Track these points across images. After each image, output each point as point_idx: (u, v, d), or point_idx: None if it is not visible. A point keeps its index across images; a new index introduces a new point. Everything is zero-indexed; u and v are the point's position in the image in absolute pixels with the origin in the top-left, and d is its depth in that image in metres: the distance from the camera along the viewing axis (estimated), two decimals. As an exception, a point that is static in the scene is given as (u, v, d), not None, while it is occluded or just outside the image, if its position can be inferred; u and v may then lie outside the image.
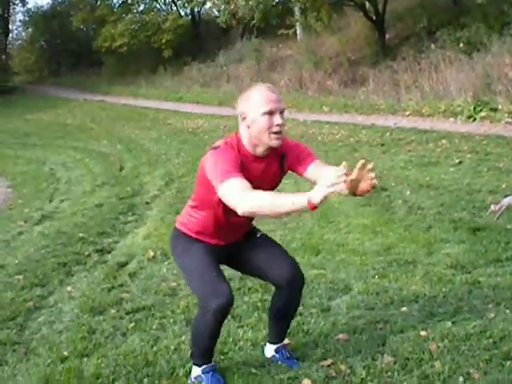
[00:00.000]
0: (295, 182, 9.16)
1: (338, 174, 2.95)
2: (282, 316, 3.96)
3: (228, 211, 3.50)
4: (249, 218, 3.80)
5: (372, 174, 3.07)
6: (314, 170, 3.58)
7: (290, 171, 3.71)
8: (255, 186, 3.37)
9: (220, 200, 3.38)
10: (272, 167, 3.62)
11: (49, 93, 37.92)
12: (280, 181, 3.74)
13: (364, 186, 3.11)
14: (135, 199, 9.80)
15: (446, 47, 17.58)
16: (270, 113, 3.40)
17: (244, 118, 3.48)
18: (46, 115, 27.07)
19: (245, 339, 4.32)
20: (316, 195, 2.97)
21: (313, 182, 3.57)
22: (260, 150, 3.53)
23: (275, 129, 3.41)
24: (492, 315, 4.36)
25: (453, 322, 4.30)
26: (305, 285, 3.87)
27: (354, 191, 3.12)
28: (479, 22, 17.47)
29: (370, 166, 3.08)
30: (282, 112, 3.46)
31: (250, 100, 3.46)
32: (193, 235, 3.75)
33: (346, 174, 2.99)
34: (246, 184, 3.24)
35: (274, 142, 3.45)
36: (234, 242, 3.82)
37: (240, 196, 3.19)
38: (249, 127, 3.46)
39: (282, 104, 3.49)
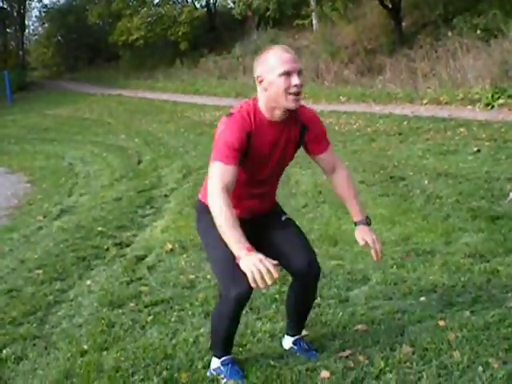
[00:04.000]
0: (312, 174, 9.16)
1: (264, 271, 2.93)
2: (298, 308, 3.95)
3: (248, 182, 3.54)
4: (272, 189, 3.80)
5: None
6: (324, 159, 3.72)
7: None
8: (266, 155, 3.47)
9: (234, 166, 3.37)
10: (290, 133, 3.56)
11: (66, 88, 38.11)
12: (294, 151, 3.69)
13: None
14: (153, 192, 9.83)
15: (463, 34, 17.48)
16: (287, 73, 3.34)
17: (261, 82, 3.42)
18: (64, 110, 27.18)
19: (263, 331, 4.32)
20: (243, 262, 3.01)
21: (321, 167, 3.78)
22: (278, 114, 3.46)
23: (293, 89, 3.35)
24: (511, 304, 4.34)
25: (471, 312, 4.29)
26: (319, 277, 3.81)
27: None
28: (496, 9, 17.33)
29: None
30: (299, 73, 3.39)
31: (266, 62, 3.40)
32: None
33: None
34: (229, 179, 3.27)
35: (292, 104, 3.39)
36: (258, 216, 3.75)
37: (214, 191, 3.24)
38: (266, 90, 3.40)
39: (300, 64, 3.42)
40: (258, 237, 3.75)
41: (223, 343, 3.76)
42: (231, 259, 3.40)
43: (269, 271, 2.92)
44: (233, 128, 3.38)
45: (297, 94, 3.37)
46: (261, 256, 3.00)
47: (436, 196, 7.54)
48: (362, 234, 3.62)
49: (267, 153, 3.48)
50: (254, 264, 2.95)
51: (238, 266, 3.36)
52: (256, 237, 3.76)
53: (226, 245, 3.35)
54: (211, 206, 3.24)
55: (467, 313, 4.27)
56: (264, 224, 3.78)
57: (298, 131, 3.60)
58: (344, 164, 3.87)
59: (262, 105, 3.47)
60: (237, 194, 3.50)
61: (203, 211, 3.68)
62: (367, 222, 3.70)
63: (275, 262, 2.98)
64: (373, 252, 3.56)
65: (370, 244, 3.55)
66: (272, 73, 3.36)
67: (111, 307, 5.12)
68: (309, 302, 3.95)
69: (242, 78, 25.67)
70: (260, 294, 4.97)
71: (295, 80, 3.35)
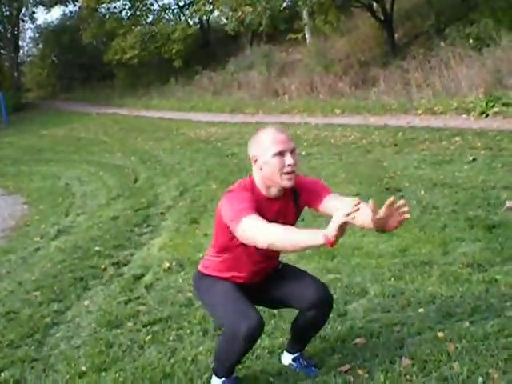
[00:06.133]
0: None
1: (354, 203, 2.91)
2: (306, 332, 3.95)
3: (250, 254, 3.55)
4: (274, 258, 3.79)
5: (405, 208, 3.09)
6: (332, 202, 3.53)
7: (307, 207, 3.72)
8: None
9: (240, 243, 3.40)
10: (288, 207, 3.63)
11: (62, 108, 38.13)
12: (296, 219, 3.73)
13: (392, 222, 3.13)
14: (150, 210, 9.81)
15: (456, 44, 17.52)
16: (281, 153, 3.40)
17: (255, 161, 3.49)
18: (59, 130, 27.19)
19: (262, 347, 4.30)
20: (331, 228, 2.94)
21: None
22: (273, 191, 3.54)
23: (287, 169, 3.41)
24: (510, 313, 4.32)
25: (470, 322, 4.28)
26: (332, 305, 3.81)
27: (382, 228, 3.16)
28: (487, 17, 17.40)
29: (400, 202, 3.09)
30: (292, 152, 3.44)
31: (259, 143, 3.47)
32: (217, 275, 3.73)
33: (373, 211, 3.04)
34: (262, 219, 3.24)
35: (287, 183, 3.45)
36: (260, 281, 3.80)
37: (259, 231, 3.18)
38: (261, 169, 3.47)
39: (293, 144, 3.46)
40: (262, 293, 3.78)
41: (227, 369, 3.75)
42: (237, 302, 3.52)
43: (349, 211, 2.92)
44: (240, 195, 3.44)
45: (291, 173, 3.42)
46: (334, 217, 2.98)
47: (432, 206, 7.53)
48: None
49: None
50: (339, 218, 2.92)
51: (245, 305, 3.49)
52: (259, 294, 3.78)
53: (229, 292, 3.56)
54: (268, 242, 3.16)
55: (466, 323, 4.26)
56: (264, 281, 3.81)
57: (293, 200, 3.64)
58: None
59: (258, 183, 3.54)
60: (238, 266, 3.64)
61: (201, 279, 3.80)
62: None
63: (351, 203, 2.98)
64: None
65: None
66: (266, 153, 3.42)
67: (109, 327, 5.11)
68: (318, 329, 3.96)
69: (237, 93, 25.70)
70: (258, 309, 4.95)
71: (289, 160, 3.41)
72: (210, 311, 3.84)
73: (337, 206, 3.39)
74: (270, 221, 3.35)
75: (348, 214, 2.90)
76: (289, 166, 3.40)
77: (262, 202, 3.50)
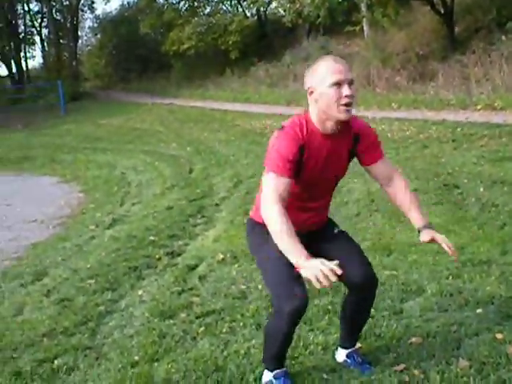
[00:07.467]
0: (365, 182, 9.03)
1: (327, 272, 2.94)
2: (353, 319, 3.86)
3: (302, 196, 3.47)
4: (325, 203, 3.73)
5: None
6: (379, 168, 3.62)
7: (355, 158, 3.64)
8: (320, 168, 3.41)
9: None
10: (343, 145, 3.50)
11: (119, 98, 38.53)
12: (348, 163, 3.62)
13: None
14: (205, 201, 9.82)
15: (517, 38, 17.17)
16: (338, 84, 3.26)
17: (311, 93, 3.36)
18: (116, 120, 27.46)
19: (315, 343, 4.25)
20: (305, 269, 3.00)
21: (373, 177, 3.68)
22: (329, 126, 3.38)
23: (344, 100, 3.27)
24: None
25: (531, 324, 4.16)
26: (376, 289, 3.73)
27: None
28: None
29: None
30: (350, 83, 3.30)
31: (316, 73, 3.34)
32: None
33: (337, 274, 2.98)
34: (283, 190, 3.26)
35: (344, 115, 3.30)
36: (310, 231, 3.68)
37: (269, 201, 3.24)
38: (317, 101, 3.34)
39: (351, 74, 3.34)
40: (313, 250, 3.68)
41: (276, 357, 3.70)
42: (285, 274, 3.32)
43: (332, 270, 2.93)
44: (285, 140, 3.35)
45: (348, 104, 3.29)
46: (320, 259, 3.02)
47: (492, 204, 7.37)
48: (430, 233, 3.48)
49: (321, 166, 3.42)
50: (316, 268, 2.95)
51: (292, 280, 3.31)
52: (310, 250, 3.69)
53: (279, 259, 3.28)
54: (266, 215, 3.23)
55: (526, 325, 4.15)
56: (316, 238, 3.69)
57: (351, 142, 3.52)
58: (400, 173, 3.76)
59: (313, 117, 3.40)
60: (290, 209, 3.40)
61: (254, 228, 3.69)
62: (432, 226, 3.57)
63: (335, 261, 3.01)
64: (446, 247, 3.39)
65: (439, 240, 3.42)
66: (322, 84, 3.29)
67: (162, 318, 5.10)
68: (365, 314, 3.86)
69: (293, 85, 25.57)
70: (312, 305, 4.89)
71: (346, 90, 3.27)
72: (261, 273, 3.75)
73: (383, 175, 3.64)
74: (321, 160, 3.38)
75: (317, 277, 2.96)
76: (346, 96, 3.27)
77: (317, 139, 3.39)
